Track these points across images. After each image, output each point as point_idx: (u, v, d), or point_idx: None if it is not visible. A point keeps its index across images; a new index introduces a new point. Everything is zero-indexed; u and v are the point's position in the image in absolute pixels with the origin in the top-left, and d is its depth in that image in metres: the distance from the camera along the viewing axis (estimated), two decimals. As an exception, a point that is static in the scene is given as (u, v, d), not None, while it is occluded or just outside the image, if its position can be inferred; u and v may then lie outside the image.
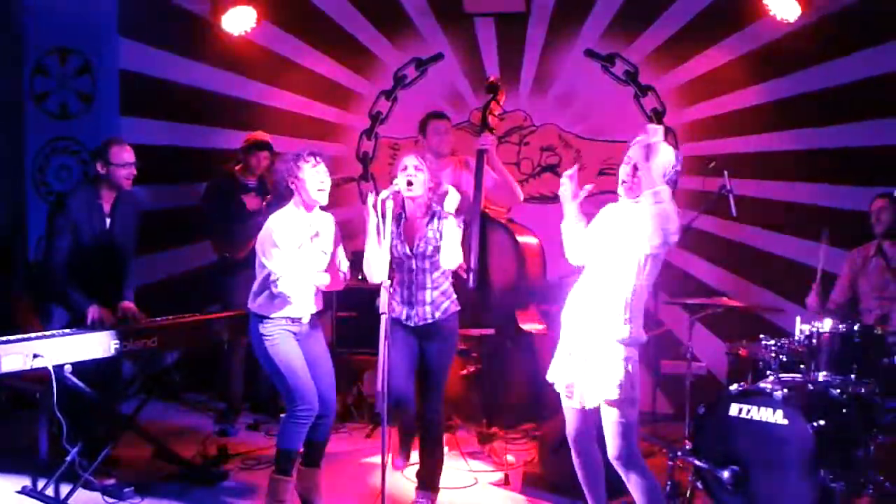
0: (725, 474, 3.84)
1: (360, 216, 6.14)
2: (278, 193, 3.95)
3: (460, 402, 4.81)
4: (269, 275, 3.75)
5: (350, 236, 4.29)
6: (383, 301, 3.48)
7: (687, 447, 4.20)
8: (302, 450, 3.94)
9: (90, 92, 6.23)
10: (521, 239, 4.89)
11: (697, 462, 3.93)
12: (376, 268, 3.64)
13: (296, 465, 3.93)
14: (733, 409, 3.90)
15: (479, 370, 4.71)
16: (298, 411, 3.77)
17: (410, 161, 3.89)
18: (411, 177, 3.85)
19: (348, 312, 5.66)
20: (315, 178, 3.79)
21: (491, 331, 4.68)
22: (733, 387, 3.99)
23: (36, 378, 3.84)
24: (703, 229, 5.66)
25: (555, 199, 6.03)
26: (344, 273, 3.98)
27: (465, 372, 4.74)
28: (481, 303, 4.75)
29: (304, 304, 3.85)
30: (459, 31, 6.20)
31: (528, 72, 6.14)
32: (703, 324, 5.31)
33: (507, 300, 4.83)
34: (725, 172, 4.83)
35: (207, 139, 6.34)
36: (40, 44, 6.20)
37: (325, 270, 3.88)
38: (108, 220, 4.53)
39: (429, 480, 4.00)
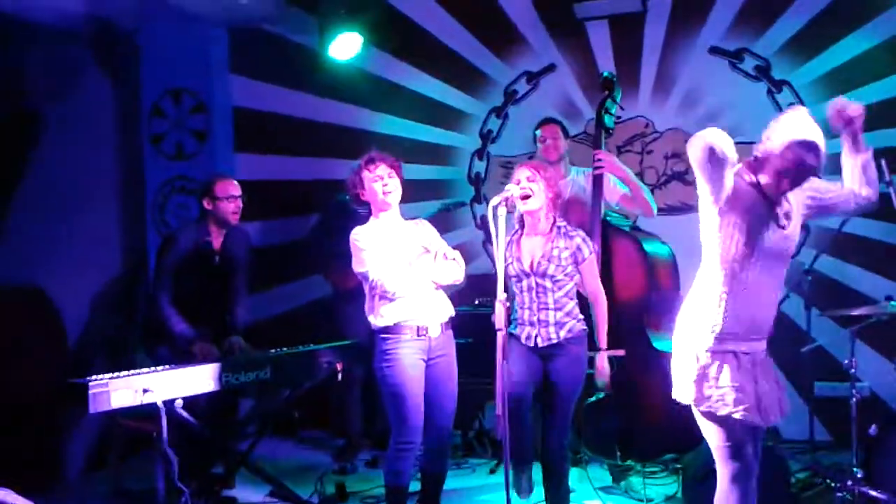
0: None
1: (472, 240, 6.08)
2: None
3: (589, 433, 4.42)
4: (372, 283, 3.56)
5: (464, 261, 3.99)
6: (499, 316, 3.17)
7: (858, 476, 3.66)
8: (420, 486, 3.74)
9: (204, 130, 6.29)
10: (648, 247, 4.47)
11: (873, 492, 3.41)
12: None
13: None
14: (913, 430, 3.38)
15: (609, 396, 4.28)
16: (398, 442, 3.56)
17: (523, 173, 3.64)
18: (525, 190, 3.57)
19: (465, 338, 5.36)
20: (377, 182, 3.66)
21: (621, 352, 4.22)
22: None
23: (151, 417, 3.74)
24: (857, 233, 5.10)
25: (684, 209, 5.75)
26: (456, 260, 3.71)
27: (592, 399, 4.32)
28: (609, 321, 4.32)
29: (426, 309, 3.62)
30: (571, 39, 5.90)
31: (648, 75, 5.76)
32: (861, 338, 4.70)
33: (636, 317, 4.41)
34: (884, 163, 4.25)
35: (318, 170, 6.26)
36: (156, 86, 6.32)
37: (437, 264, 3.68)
38: (217, 257, 4.47)
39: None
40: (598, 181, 4.47)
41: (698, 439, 4.09)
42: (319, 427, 5.97)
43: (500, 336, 3.16)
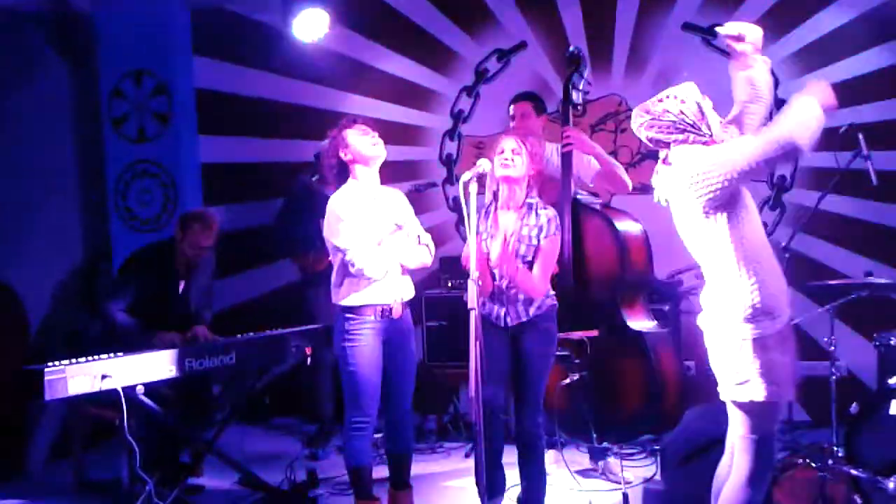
0: (891, 484, 3.23)
1: (445, 222, 5.96)
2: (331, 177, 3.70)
3: (564, 416, 4.32)
4: (343, 257, 3.47)
5: (436, 244, 3.94)
6: (471, 295, 3.06)
7: (839, 455, 3.60)
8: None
9: (166, 112, 6.09)
10: (620, 225, 4.38)
11: (854, 472, 3.35)
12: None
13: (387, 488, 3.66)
14: (894, 407, 3.31)
15: (584, 378, 4.18)
16: (352, 421, 3.53)
17: (508, 144, 3.52)
18: (506, 161, 3.46)
19: (438, 322, 5.28)
20: (365, 138, 3.60)
21: (594, 332, 4.15)
22: (893, 380, 3.38)
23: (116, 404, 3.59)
24: (833, 211, 5.06)
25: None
26: (427, 246, 3.69)
27: (567, 381, 4.19)
28: (581, 301, 4.24)
29: (391, 288, 3.56)
30: (542, 16, 5.78)
31: (621, 53, 5.67)
32: (839, 317, 4.64)
33: (610, 296, 4.31)
34: (861, 136, 4.19)
35: (284, 152, 6.10)
36: (116, 68, 6.12)
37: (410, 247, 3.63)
38: (181, 284, 4.31)
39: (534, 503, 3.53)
40: (566, 159, 4.36)
41: (675, 420, 4.09)
42: (291, 413, 5.87)
43: (472, 316, 3.05)
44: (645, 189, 5.68)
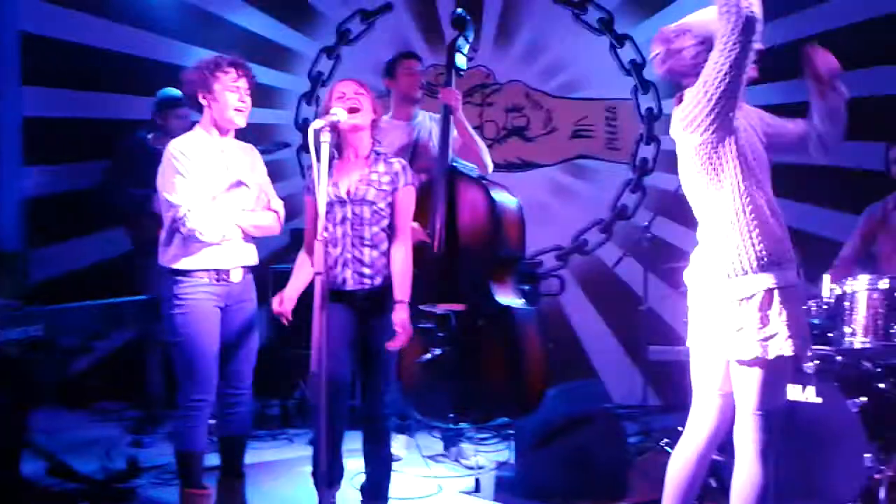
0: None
1: (299, 192, 5.53)
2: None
3: (421, 394, 4.05)
4: (175, 213, 3.07)
5: (290, 215, 3.63)
6: (318, 257, 2.70)
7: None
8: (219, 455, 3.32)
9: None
10: (497, 197, 4.15)
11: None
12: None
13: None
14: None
15: (445, 354, 3.91)
16: (187, 400, 3.15)
17: (348, 87, 3.18)
18: (354, 102, 3.12)
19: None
20: (233, 94, 3.18)
21: (461, 306, 3.91)
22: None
23: None
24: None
25: (524, 166, 5.50)
26: (277, 212, 3.35)
27: (427, 356, 3.91)
28: (449, 273, 3.98)
29: (230, 253, 3.19)
30: (410, -23, 5.54)
31: (490, 23, 5.48)
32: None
33: (480, 270, 4.06)
34: None
35: (117, 108, 5.52)
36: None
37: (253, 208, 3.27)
38: None
39: (375, 491, 3.23)
40: (446, 122, 4.10)
41: (537, 402, 3.92)
42: (117, 397, 5.32)
43: (318, 281, 2.70)
44: (511, 166, 5.60)
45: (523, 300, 4.19)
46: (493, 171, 4.29)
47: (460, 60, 4.22)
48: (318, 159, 2.77)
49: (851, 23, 4.86)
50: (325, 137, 2.81)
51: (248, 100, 3.24)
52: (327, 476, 2.88)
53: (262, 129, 5.51)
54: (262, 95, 5.53)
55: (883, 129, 4.40)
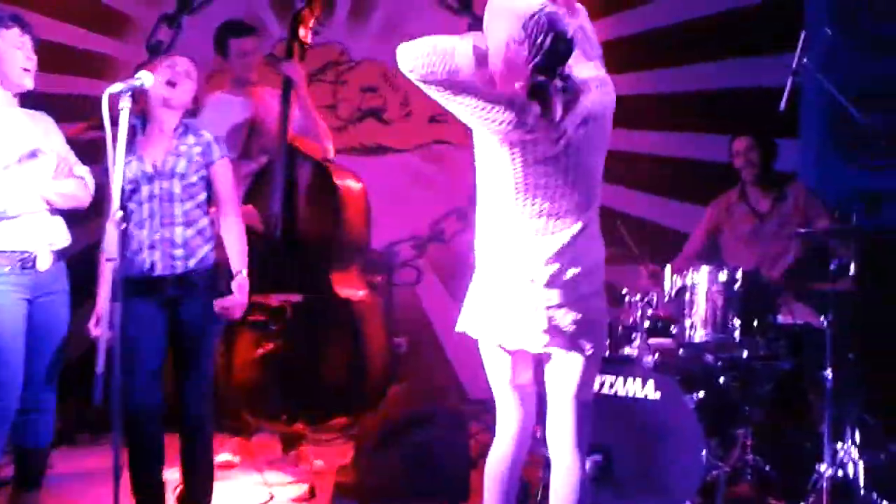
0: (587, 465, 3.03)
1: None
2: None
3: (254, 393, 3.78)
4: None
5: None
6: (110, 241, 2.37)
7: (536, 436, 3.38)
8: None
9: None
10: (340, 181, 3.91)
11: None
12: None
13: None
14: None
15: (280, 348, 3.70)
16: None
17: (181, 62, 2.95)
18: (176, 77, 2.87)
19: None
20: (19, 52, 2.91)
21: (298, 297, 3.69)
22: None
23: None
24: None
25: (378, 150, 5.26)
26: (82, 178, 3.01)
27: (261, 351, 3.71)
28: (286, 260, 3.76)
29: (34, 230, 2.86)
30: (260, -57, 5.17)
31: (345, -4, 5.18)
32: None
33: (320, 258, 3.83)
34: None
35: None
36: None
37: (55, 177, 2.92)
38: None
39: (195, 503, 2.94)
40: (287, 94, 3.82)
41: (377, 401, 3.72)
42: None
43: (109, 268, 2.39)
44: (366, 150, 5.35)
45: (366, 291, 3.98)
46: (349, 154, 4.05)
47: (304, 33, 3.95)
48: (115, 127, 2.47)
49: (699, 16, 4.84)
50: (126, 104, 2.51)
51: (34, 58, 2.92)
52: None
53: (91, 101, 4.99)
54: (91, 64, 5.14)
55: (727, 121, 4.41)
